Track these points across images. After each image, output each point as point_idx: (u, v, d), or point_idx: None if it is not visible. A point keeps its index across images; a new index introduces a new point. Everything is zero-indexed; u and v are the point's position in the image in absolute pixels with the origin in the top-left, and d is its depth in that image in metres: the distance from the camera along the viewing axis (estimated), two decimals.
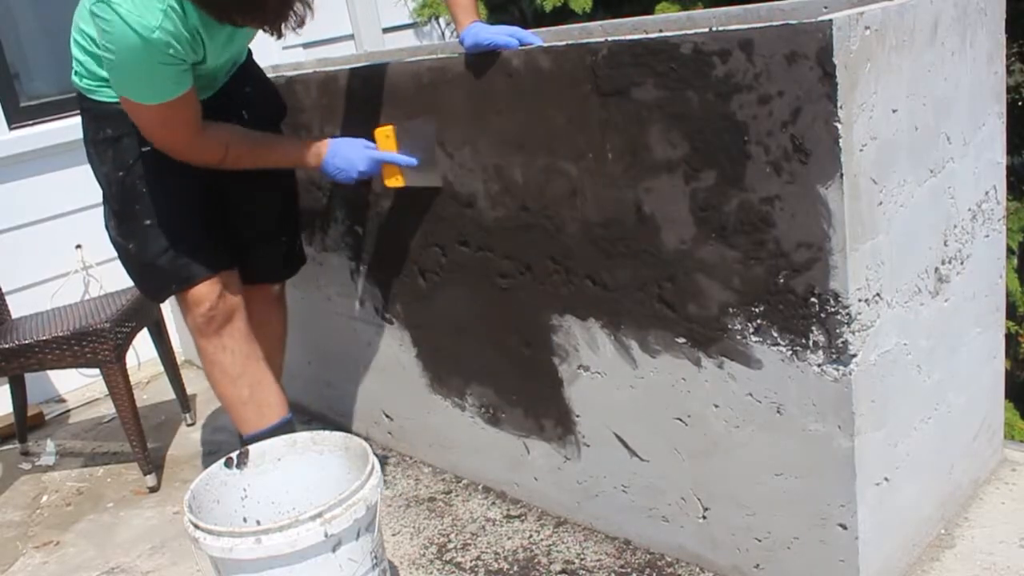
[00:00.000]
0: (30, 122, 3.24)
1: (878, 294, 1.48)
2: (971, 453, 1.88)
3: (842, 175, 1.37)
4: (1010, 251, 3.08)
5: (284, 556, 1.53)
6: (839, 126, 1.34)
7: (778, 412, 1.57)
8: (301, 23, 1.66)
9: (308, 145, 1.98)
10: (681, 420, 1.73)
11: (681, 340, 1.68)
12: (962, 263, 1.72)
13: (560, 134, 1.72)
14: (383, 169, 1.98)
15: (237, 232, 2.09)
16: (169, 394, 3.04)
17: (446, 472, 2.35)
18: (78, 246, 3.30)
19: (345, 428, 2.63)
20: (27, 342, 2.48)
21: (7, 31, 3.26)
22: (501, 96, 1.80)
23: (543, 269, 1.87)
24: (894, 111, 1.46)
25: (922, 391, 1.66)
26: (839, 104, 1.34)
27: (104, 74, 1.83)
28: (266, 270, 2.21)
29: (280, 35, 1.67)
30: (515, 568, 1.93)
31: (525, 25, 3.99)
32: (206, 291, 1.95)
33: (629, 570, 1.86)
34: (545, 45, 1.70)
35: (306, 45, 3.72)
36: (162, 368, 2.94)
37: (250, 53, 2.13)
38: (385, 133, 1.96)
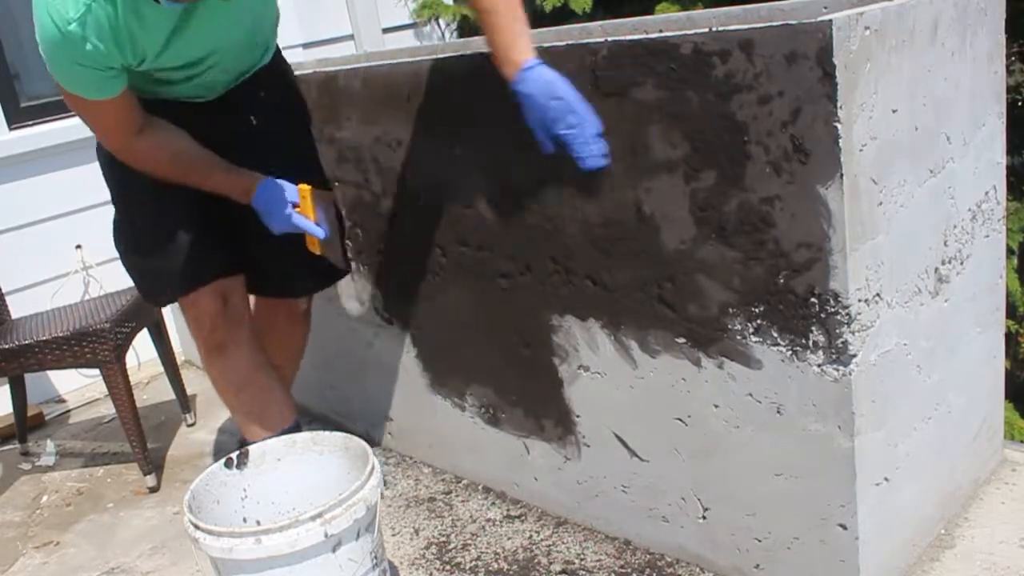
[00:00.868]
0: (30, 122, 3.24)
1: (878, 294, 1.48)
2: (971, 453, 1.88)
3: (842, 175, 1.37)
4: (1010, 251, 3.08)
5: (284, 556, 1.53)
6: (839, 126, 1.34)
7: (778, 412, 1.57)
8: None
9: (239, 184, 1.84)
10: (681, 420, 1.73)
11: (681, 340, 1.68)
12: (962, 263, 1.72)
13: None
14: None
15: (248, 243, 1.96)
16: (169, 394, 3.04)
17: (446, 472, 2.35)
18: (78, 246, 3.30)
19: (346, 428, 2.63)
20: (27, 342, 2.48)
21: (7, 31, 3.26)
22: (501, 96, 1.79)
23: (543, 269, 1.87)
24: (894, 111, 1.46)
25: (922, 391, 1.66)
26: (839, 104, 1.34)
27: None
28: (286, 284, 2.09)
29: None
30: (515, 568, 1.93)
31: None
32: (208, 299, 1.88)
33: (629, 570, 1.86)
34: (545, 45, 1.70)
35: (306, 45, 3.72)
36: (162, 368, 2.94)
37: (278, 57, 2.01)
38: (304, 192, 1.85)
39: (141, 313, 2.69)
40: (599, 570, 1.88)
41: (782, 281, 1.49)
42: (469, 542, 2.05)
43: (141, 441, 2.54)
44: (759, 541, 1.70)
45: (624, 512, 1.92)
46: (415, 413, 2.38)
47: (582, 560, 1.92)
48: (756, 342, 1.56)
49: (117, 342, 2.49)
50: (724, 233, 1.54)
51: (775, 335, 1.53)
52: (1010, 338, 3.25)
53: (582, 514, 2.02)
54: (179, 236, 1.87)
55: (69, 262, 3.30)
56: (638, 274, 1.70)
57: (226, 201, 1.88)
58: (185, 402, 2.97)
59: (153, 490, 2.56)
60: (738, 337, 1.58)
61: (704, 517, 1.77)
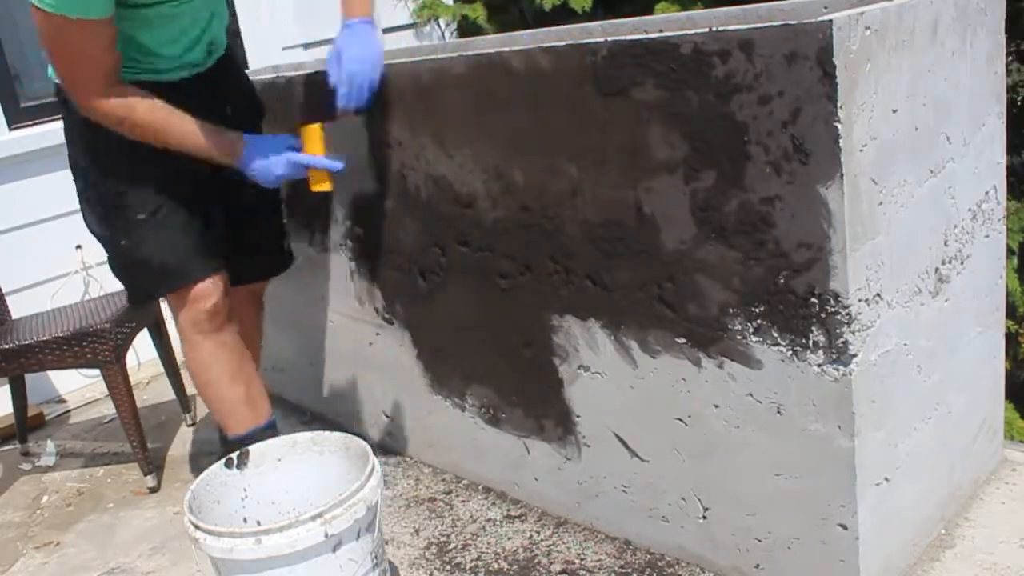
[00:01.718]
0: (30, 122, 3.24)
1: (878, 294, 1.48)
2: (971, 453, 1.88)
3: (842, 175, 1.37)
4: (1010, 251, 3.08)
5: (284, 556, 1.53)
6: (839, 126, 1.34)
7: (778, 412, 1.57)
8: None
9: (223, 138, 1.82)
10: (681, 420, 1.73)
11: (681, 340, 1.68)
12: (962, 263, 1.72)
13: (560, 134, 1.72)
14: (309, 173, 1.84)
15: (239, 232, 2.05)
16: (169, 394, 3.04)
17: (446, 472, 2.35)
18: (78, 246, 3.30)
19: (345, 428, 2.62)
20: (27, 342, 2.48)
21: (7, 32, 3.26)
22: (501, 96, 1.80)
23: (543, 269, 1.87)
24: (894, 111, 1.46)
25: (922, 391, 1.66)
26: (839, 104, 1.34)
27: None
28: (263, 268, 2.19)
29: None
30: (515, 568, 1.93)
31: (525, 25, 4.00)
32: (211, 287, 1.90)
33: (629, 570, 1.86)
34: (545, 45, 1.70)
35: (306, 45, 3.72)
36: (162, 368, 2.94)
37: (235, 53, 2.07)
38: (313, 131, 1.82)
39: (141, 313, 2.69)
40: (599, 570, 1.88)
41: (782, 281, 1.49)
42: (469, 542, 2.05)
43: (141, 441, 2.54)
44: (759, 541, 1.70)
45: (624, 512, 1.92)
46: (415, 413, 2.38)
47: (582, 560, 1.92)
48: (756, 342, 1.56)
49: (117, 342, 2.49)
50: (724, 233, 1.54)
51: (775, 335, 1.53)
52: (1010, 338, 3.26)
53: (582, 514, 2.02)
54: (186, 228, 1.89)
55: (69, 262, 3.30)
56: (638, 274, 1.70)
57: (214, 189, 1.91)
58: (185, 402, 2.97)
59: (153, 490, 2.56)
60: (738, 337, 1.58)
61: (704, 517, 1.77)
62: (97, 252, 3.27)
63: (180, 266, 1.89)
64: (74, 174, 1.94)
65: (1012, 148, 2.96)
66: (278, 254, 2.24)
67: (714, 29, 1.45)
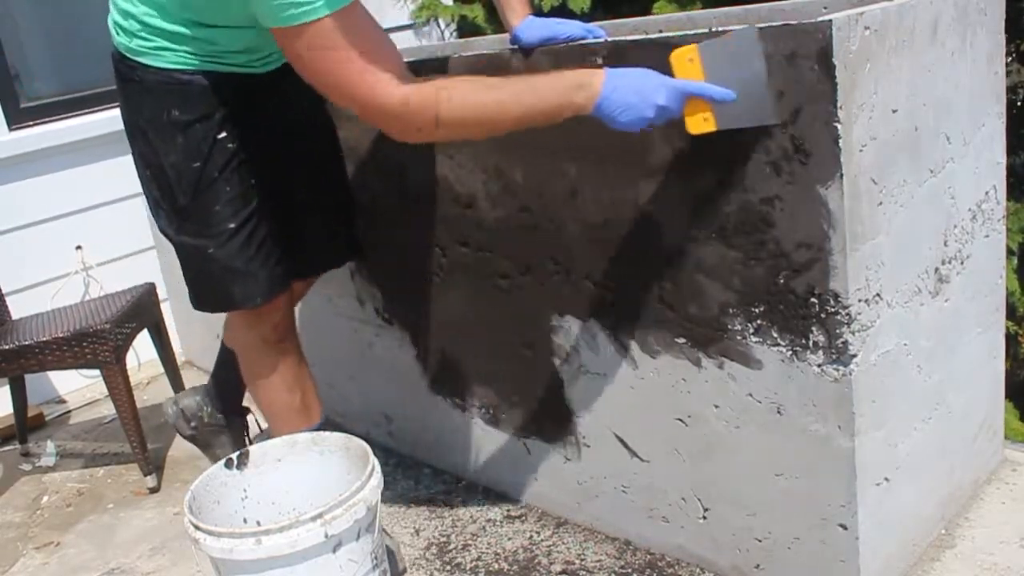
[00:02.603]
0: (30, 123, 3.24)
1: (878, 294, 1.48)
2: (971, 453, 1.88)
3: (842, 175, 1.37)
4: (1010, 251, 3.08)
5: (284, 557, 1.52)
6: (839, 126, 1.34)
7: (778, 412, 1.57)
8: None
9: (568, 81, 1.43)
10: (681, 420, 1.73)
11: (681, 340, 1.68)
12: (962, 263, 1.72)
13: (560, 134, 1.72)
14: (687, 107, 1.43)
15: (303, 231, 1.91)
16: (169, 395, 3.03)
17: (446, 472, 2.35)
18: (78, 247, 3.30)
19: (346, 429, 2.62)
20: (27, 343, 2.48)
21: (7, 31, 3.26)
22: None
23: (543, 269, 1.87)
24: (894, 111, 1.46)
25: (922, 391, 1.66)
26: (839, 104, 1.34)
27: (174, 28, 1.53)
28: (340, 252, 2.07)
29: None
30: (515, 568, 1.93)
31: None
32: (281, 300, 1.84)
33: (630, 571, 1.86)
34: (545, 45, 1.70)
35: None
36: (162, 369, 2.94)
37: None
38: (685, 56, 1.41)
39: (141, 314, 2.69)
40: (599, 570, 1.88)
41: (782, 281, 1.49)
42: (469, 542, 2.05)
43: (141, 442, 2.54)
44: (759, 541, 1.70)
45: (624, 512, 1.92)
46: (415, 413, 2.38)
47: (582, 560, 1.92)
48: (756, 342, 1.56)
49: (117, 343, 2.49)
50: (724, 233, 1.54)
51: (775, 335, 1.53)
52: (1010, 338, 3.26)
53: (582, 514, 2.03)
54: (274, 239, 1.80)
55: (69, 263, 3.30)
56: (638, 274, 1.70)
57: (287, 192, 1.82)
58: None
59: (153, 490, 2.56)
60: (738, 337, 1.58)
61: (704, 517, 1.77)
62: (97, 252, 3.30)
63: (264, 284, 1.79)
64: (148, 174, 1.77)
65: (1012, 148, 2.96)
66: (341, 248, 2.08)
67: (714, 29, 1.45)
